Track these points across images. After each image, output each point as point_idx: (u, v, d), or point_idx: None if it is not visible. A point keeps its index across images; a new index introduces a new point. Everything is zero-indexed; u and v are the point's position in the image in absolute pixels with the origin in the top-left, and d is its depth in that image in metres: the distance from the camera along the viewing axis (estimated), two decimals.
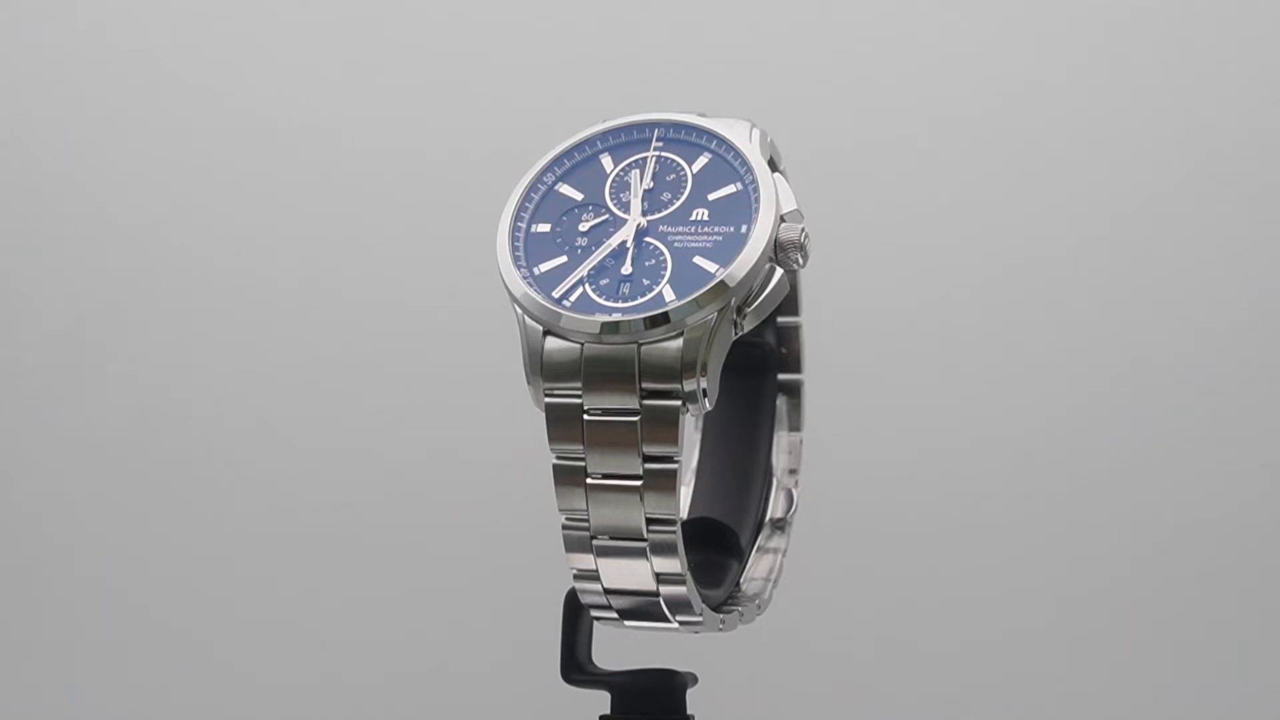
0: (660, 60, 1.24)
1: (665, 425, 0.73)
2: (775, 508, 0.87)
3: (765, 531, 0.87)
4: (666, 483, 0.73)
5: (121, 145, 1.26)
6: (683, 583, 0.75)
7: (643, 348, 0.73)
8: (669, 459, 0.73)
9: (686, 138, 0.78)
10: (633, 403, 0.73)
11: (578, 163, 0.78)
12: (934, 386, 1.21)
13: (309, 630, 1.25)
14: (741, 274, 0.73)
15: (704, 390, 0.73)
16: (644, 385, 0.73)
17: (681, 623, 0.77)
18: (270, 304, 1.26)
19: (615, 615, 0.78)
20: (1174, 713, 1.22)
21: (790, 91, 1.22)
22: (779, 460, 0.88)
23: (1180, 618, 1.22)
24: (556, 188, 0.78)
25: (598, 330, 0.73)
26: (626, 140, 0.78)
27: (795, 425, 0.88)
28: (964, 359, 1.22)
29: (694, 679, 0.81)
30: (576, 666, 0.79)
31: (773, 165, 0.78)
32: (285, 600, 1.26)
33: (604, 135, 0.79)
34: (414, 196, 1.26)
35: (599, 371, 0.73)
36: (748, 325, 0.74)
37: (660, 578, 0.75)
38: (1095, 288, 1.23)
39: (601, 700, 0.80)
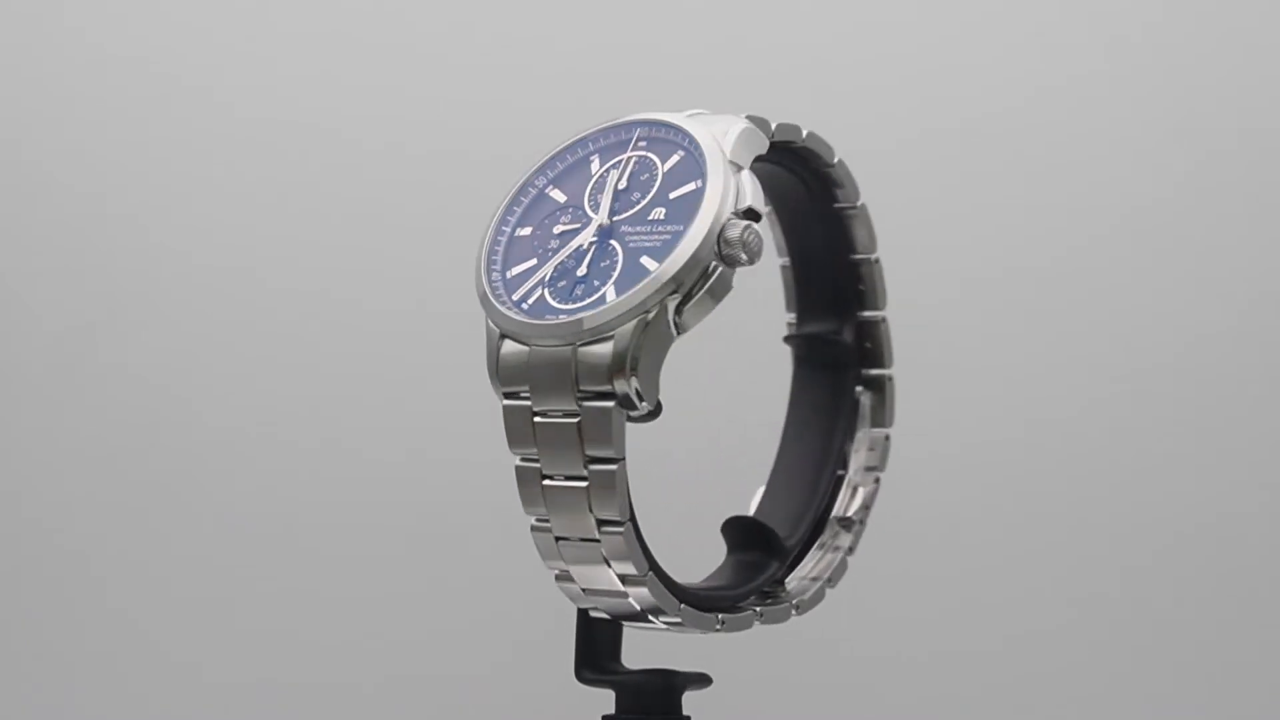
0: (664, 57, 1.24)
1: (602, 427, 0.73)
2: (842, 505, 0.85)
3: (830, 529, 0.85)
4: (608, 483, 0.73)
5: (122, 148, 1.28)
6: (643, 584, 0.75)
7: (579, 349, 0.73)
8: (609, 460, 0.73)
9: (666, 136, 0.77)
10: (572, 404, 0.73)
11: (570, 165, 0.79)
12: (937, 386, 1.17)
13: (308, 634, 1.27)
14: (671, 273, 0.72)
15: (638, 392, 0.72)
16: (581, 387, 0.73)
17: (666, 623, 0.77)
18: (271, 306, 1.28)
19: (606, 615, 0.78)
20: (1184, 712, 1.19)
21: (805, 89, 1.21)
22: (857, 457, 0.86)
23: (1190, 618, 1.22)
24: (546, 190, 0.79)
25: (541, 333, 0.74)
26: (615, 140, 0.78)
27: (880, 421, 0.86)
28: (966, 360, 1.20)
29: (706, 680, 0.80)
30: (587, 665, 0.79)
31: (765, 160, 0.78)
32: (283, 602, 1.27)
33: (595, 136, 0.79)
34: (417, 198, 1.26)
35: (542, 374, 0.74)
36: (688, 324, 0.73)
37: (623, 579, 0.75)
38: (1101, 287, 1.22)
39: (604, 701, 0.80)
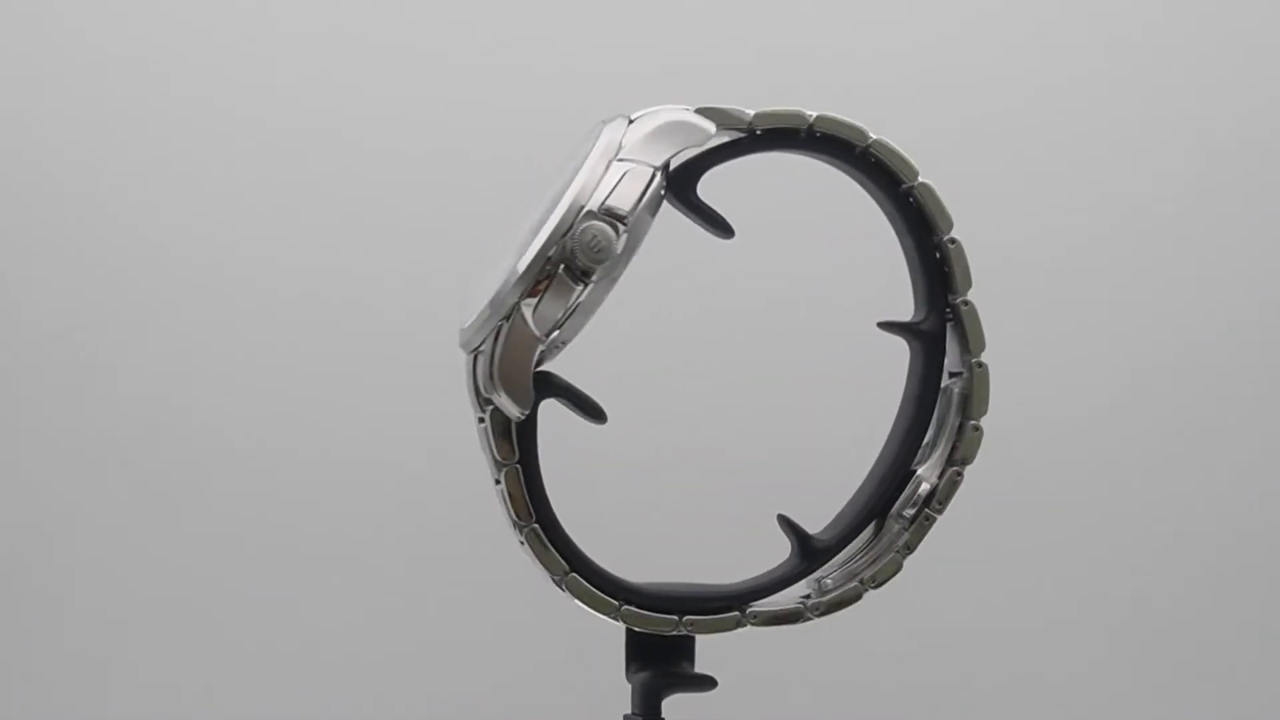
0: (668, 55, 1.22)
1: (490, 430, 0.76)
2: (904, 501, 0.79)
3: (889, 526, 0.80)
4: (504, 485, 0.76)
5: (122, 148, 1.28)
6: (564, 585, 0.76)
7: (476, 358, 0.75)
8: (503, 463, 0.76)
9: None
10: (479, 411, 0.76)
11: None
12: None
13: (304, 644, 1.26)
14: (513, 282, 0.73)
15: (506, 400, 0.74)
16: (479, 395, 0.76)
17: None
18: (269, 308, 1.26)
19: None
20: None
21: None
22: (941, 449, 0.80)
23: (1192, 617, 1.24)
24: None
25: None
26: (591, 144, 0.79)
27: (968, 411, 0.79)
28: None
29: (707, 683, 0.80)
30: (633, 662, 0.80)
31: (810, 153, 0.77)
32: (278, 612, 1.26)
33: (587, 139, 0.79)
34: (417, 199, 1.23)
35: (467, 383, 0.77)
36: (543, 327, 0.73)
37: (557, 583, 0.77)
38: (1102, 286, 1.21)
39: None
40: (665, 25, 1.29)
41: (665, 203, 0.77)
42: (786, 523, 0.81)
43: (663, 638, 0.78)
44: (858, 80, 1.26)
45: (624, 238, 0.73)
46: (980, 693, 1.25)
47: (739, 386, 1.27)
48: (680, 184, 0.76)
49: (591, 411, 0.76)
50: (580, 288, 0.73)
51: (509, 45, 1.29)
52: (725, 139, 0.77)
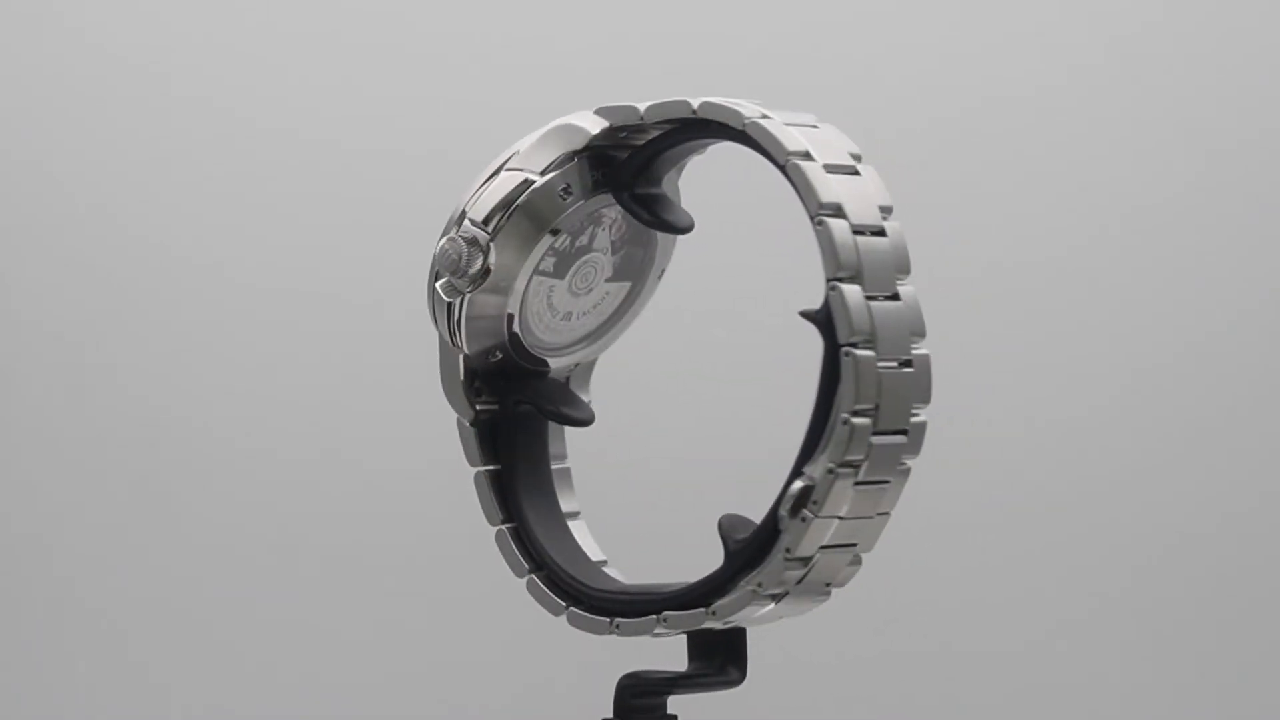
0: (673, 50, 1.23)
1: (459, 435, 0.76)
2: (784, 502, 0.72)
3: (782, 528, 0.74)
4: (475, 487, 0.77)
5: (124, 153, 1.28)
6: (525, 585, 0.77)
7: None
8: (473, 467, 0.76)
9: None
10: None
11: None
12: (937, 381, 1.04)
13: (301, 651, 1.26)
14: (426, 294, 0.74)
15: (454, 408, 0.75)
16: None
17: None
18: (276, 312, 1.26)
19: None
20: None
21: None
22: (830, 449, 0.71)
23: (1193, 619, 1.24)
24: None
25: None
26: None
27: (844, 404, 0.70)
28: (967, 357, 1.12)
29: (672, 686, 0.79)
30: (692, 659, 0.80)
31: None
32: (278, 613, 1.26)
33: None
34: (420, 201, 1.19)
35: None
36: (445, 337, 0.75)
37: None
38: (1104, 285, 1.21)
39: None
40: (666, 24, 1.29)
41: None
42: (720, 526, 0.79)
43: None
44: (859, 78, 1.26)
45: (492, 248, 0.73)
46: (981, 693, 1.25)
47: (736, 386, 1.27)
48: (617, 186, 0.75)
49: (568, 420, 0.76)
50: (459, 297, 0.74)
51: (508, 45, 1.29)
52: (656, 133, 0.75)
